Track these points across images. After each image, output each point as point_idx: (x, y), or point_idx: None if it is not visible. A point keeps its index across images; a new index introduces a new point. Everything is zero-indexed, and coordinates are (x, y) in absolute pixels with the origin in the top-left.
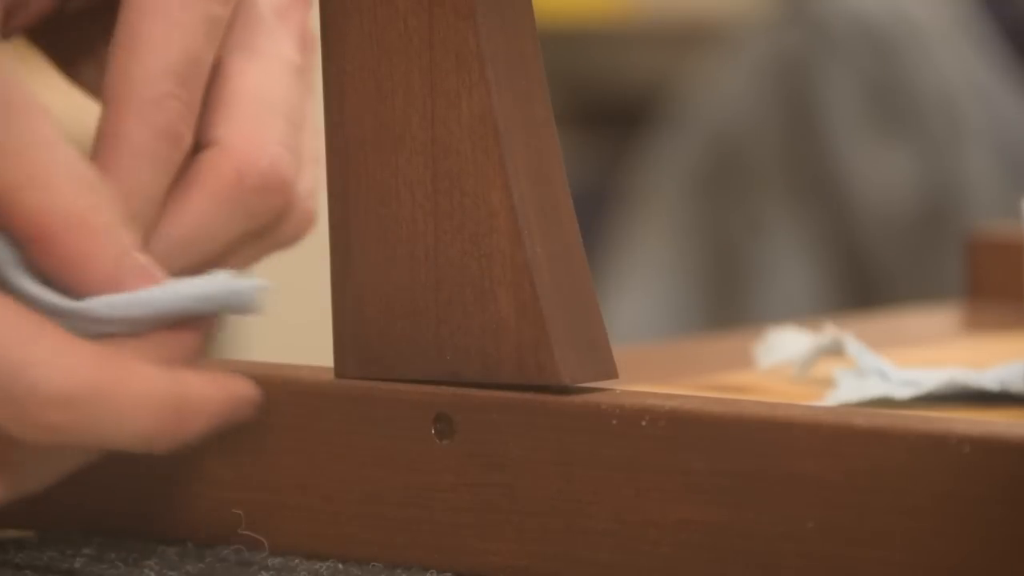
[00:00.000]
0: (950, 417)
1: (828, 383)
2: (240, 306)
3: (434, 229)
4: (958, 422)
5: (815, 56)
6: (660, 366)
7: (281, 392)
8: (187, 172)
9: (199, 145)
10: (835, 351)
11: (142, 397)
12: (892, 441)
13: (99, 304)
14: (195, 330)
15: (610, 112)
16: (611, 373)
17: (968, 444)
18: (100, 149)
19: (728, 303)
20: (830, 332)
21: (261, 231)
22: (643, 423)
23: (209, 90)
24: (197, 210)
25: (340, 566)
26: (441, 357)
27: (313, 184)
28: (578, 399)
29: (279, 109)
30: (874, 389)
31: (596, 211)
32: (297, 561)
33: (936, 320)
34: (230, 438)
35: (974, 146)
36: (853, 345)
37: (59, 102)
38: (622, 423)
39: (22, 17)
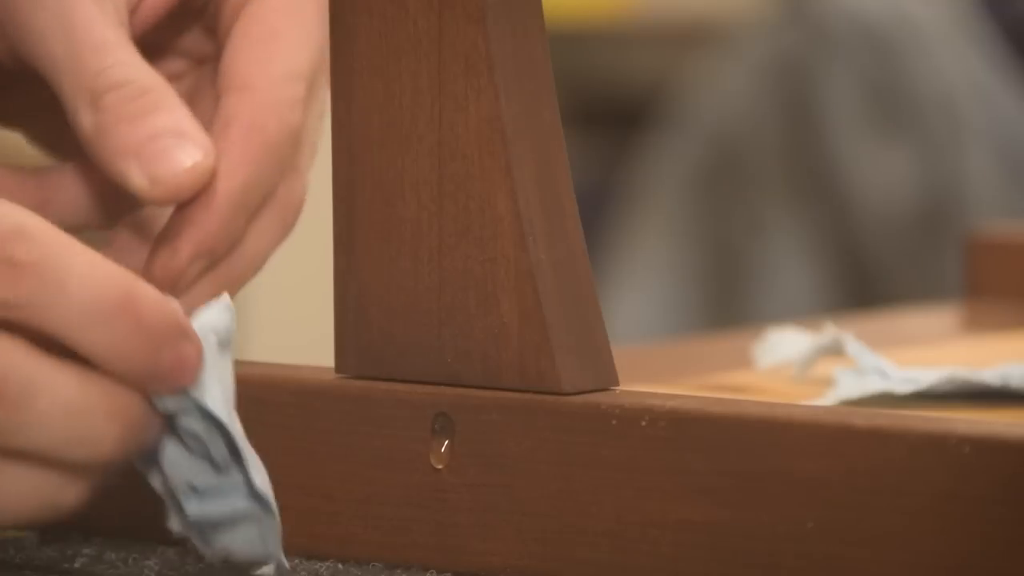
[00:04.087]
0: (950, 417)
1: (828, 383)
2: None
3: (438, 232)
4: (958, 422)
5: (815, 56)
6: (660, 366)
7: (281, 392)
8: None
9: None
10: (835, 351)
11: (93, 269)
12: (892, 441)
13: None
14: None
15: (610, 112)
16: (612, 381)
17: (968, 444)
18: (228, 135)
19: (728, 303)
20: (830, 332)
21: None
22: (643, 423)
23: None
24: (253, 157)
25: (340, 566)
26: (442, 360)
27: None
28: (578, 399)
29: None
30: (874, 386)
31: (596, 211)
32: (297, 561)
33: (936, 320)
34: None
35: (974, 146)
36: (853, 345)
37: None
38: (622, 423)
39: (148, 11)
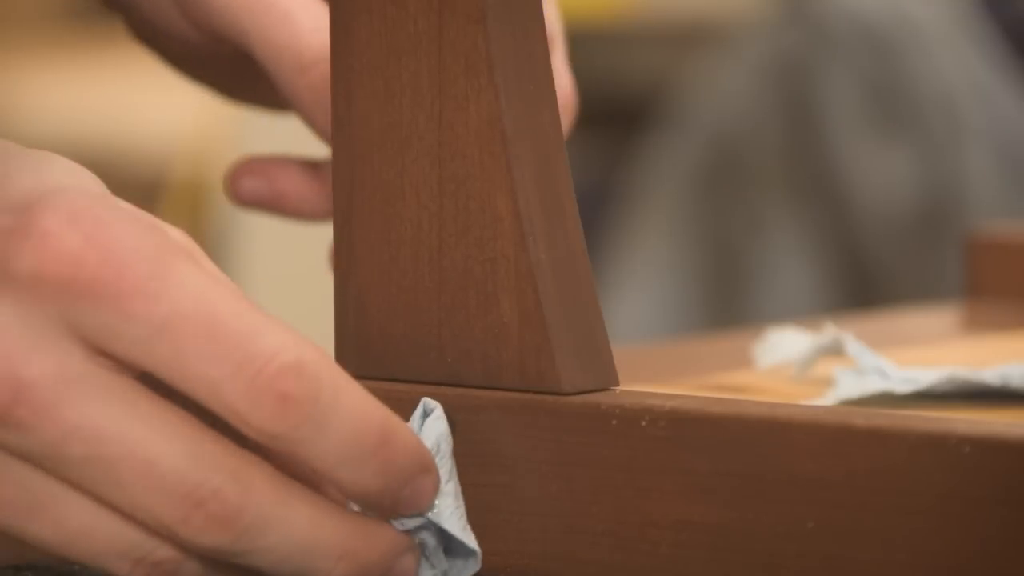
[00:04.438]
0: (950, 417)
1: (828, 383)
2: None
3: (439, 231)
4: (958, 422)
5: (815, 56)
6: (661, 366)
7: None
8: None
9: None
10: (835, 351)
11: (360, 403)
12: (892, 441)
13: None
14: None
15: (610, 112)
16: (612, 381)
17: (968, 444)
18: None
19: (728, 303)
20: (830, 332)
21: None
22: (643, 423)
23: None
24: None
25: None
26: (442, 360)
27: None
28: (578, 399)
29: None
30: (874, 385)
31: (596, 211)
32: None
33: (936, 320)
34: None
35: (974, 146)
36: (853, 345)
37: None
38: (622, 423)
39: None
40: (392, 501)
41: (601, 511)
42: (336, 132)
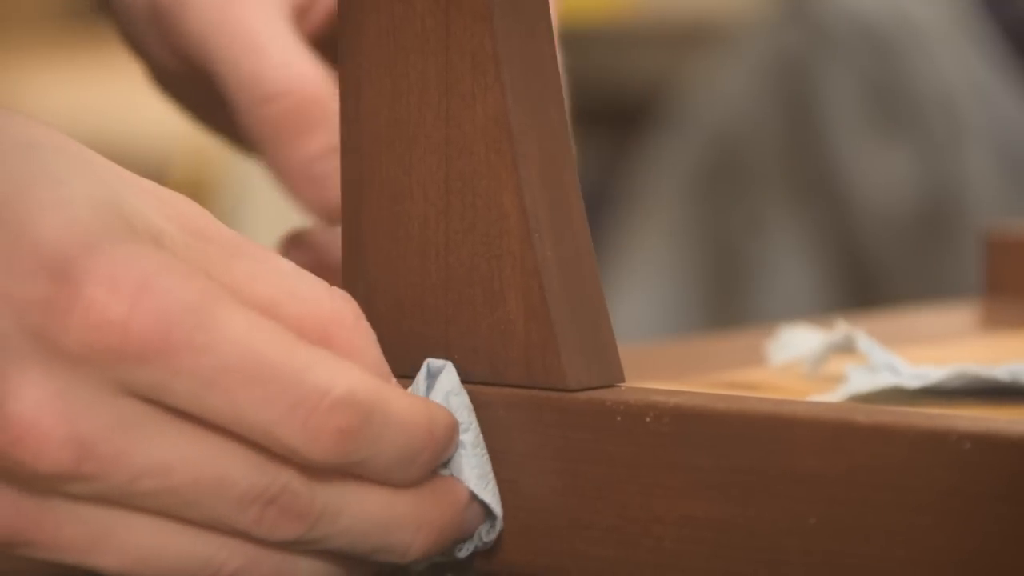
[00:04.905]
0: (952, 414)
1: (840, 380)
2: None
3: (445, 228)
4: (959, 419)
5: (815, 56)
6: (671, 364)
7: None
8: None
9: None
10: (847, 348)
11: (406, 410)
12: (894, 438)
13: None
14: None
15: (610, 112)
16: (618, 378)
17: (969, 441)
18: None
19: (728, 303)
20: (842, 329)
21: None
22: (647, 419)
23: None
24: None
25: None
26: (449, 357)
27: None
28: (583, 396)
29: None
30: (884, 380)
31: (596, 211)
32: None
33: (953, 318)
34: None
35: (974, 146)
36: (864, 342)
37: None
38: (626, 419)
39: (315, 18)
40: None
41: (605, 507)
42: (344, 130)
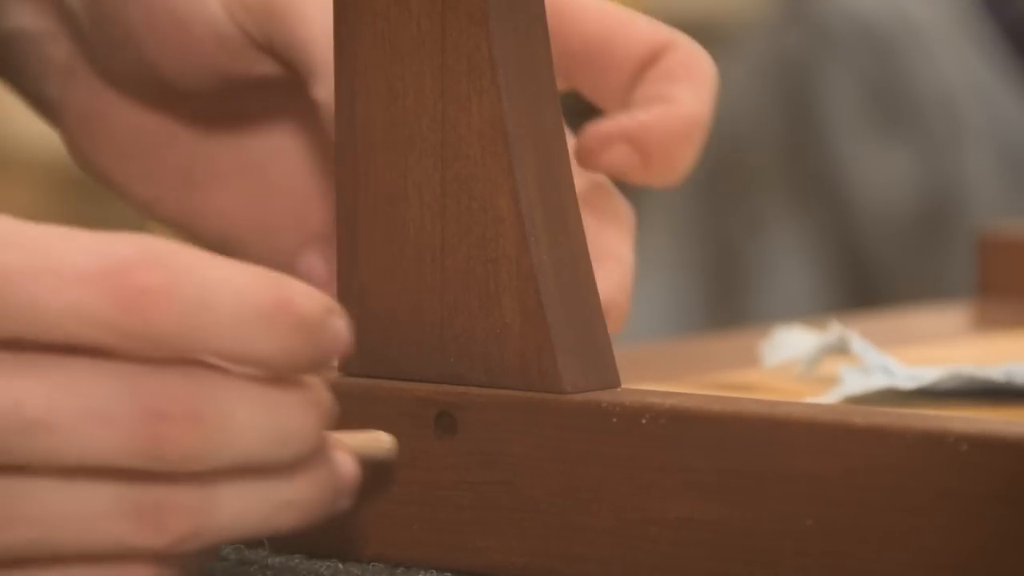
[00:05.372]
0: (948, 415)
1: (834, 381)
2: None
3: (441, 232)
4: (955, 420)
5: (815, 56)
6: (665, 365)
7: None
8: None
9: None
10: (841, 349)
11: (232, 274)
12: (890, 439)
13: None
14: None
15: None
16: (614, 382)
17: (965, 442)
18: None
19: (728, 303)
20: (835, 330)
21: None
22: (643, 421)
23: None
24: None
25: (340, 566)
26: (445, 360)
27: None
28: (579, 397)
29: None
30: (878, 382)
31: None
32: (297, 560)
33: (946, 318)
34: None
35: (974, 146)
36: (858, 343)
37: None
38: (622, 421)
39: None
40: (314, 354)
41: (601, 509)
42: (339, 133)
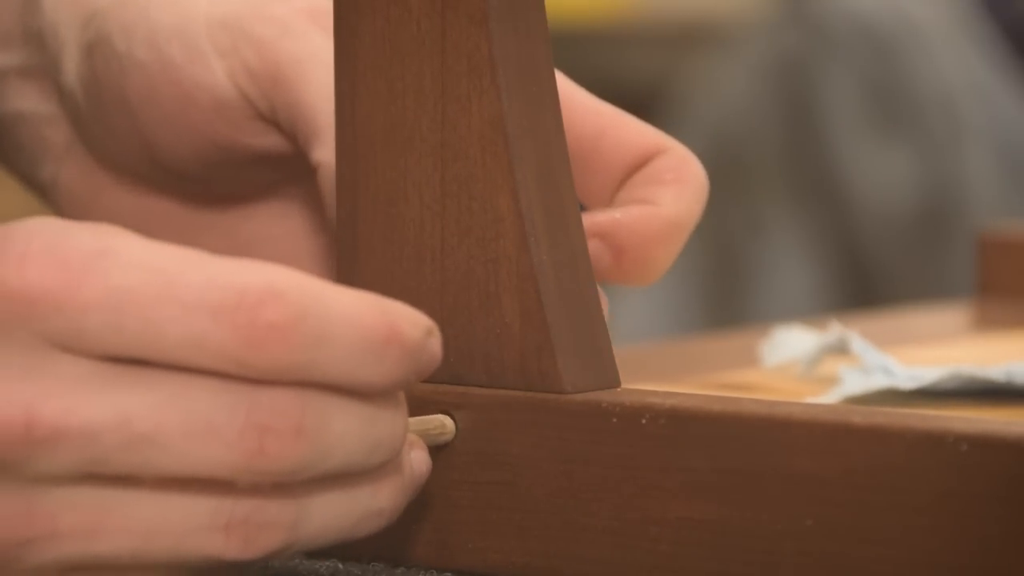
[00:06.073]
0: (948, 415)
1: (834, 381)
2: None
3: (441, 232)
4: (956, 420)
5: (815, 56)
6: (666, 365)
7: None
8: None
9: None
10: (841, 349)
11: (351, 303)
12: (890, 439)
13: None
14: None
15: None
16: (613, 382)
17: (966, 442)
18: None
19: (728, 303)
20: (835, 330)
21: None
22: (643, 421)
23: None
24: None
25: (340, 566)
26: (444, 360)
27: None
28: (579, 397)
29: None
30: (878, 382)
31: None
32: (297, 561)
33: (946, 318)
34: None
35: (974, 146)
36: (858, 343)
37: None
38: (622, 421)
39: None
40: (415, 375)
41: (602, 508)
42: (339, 133)
